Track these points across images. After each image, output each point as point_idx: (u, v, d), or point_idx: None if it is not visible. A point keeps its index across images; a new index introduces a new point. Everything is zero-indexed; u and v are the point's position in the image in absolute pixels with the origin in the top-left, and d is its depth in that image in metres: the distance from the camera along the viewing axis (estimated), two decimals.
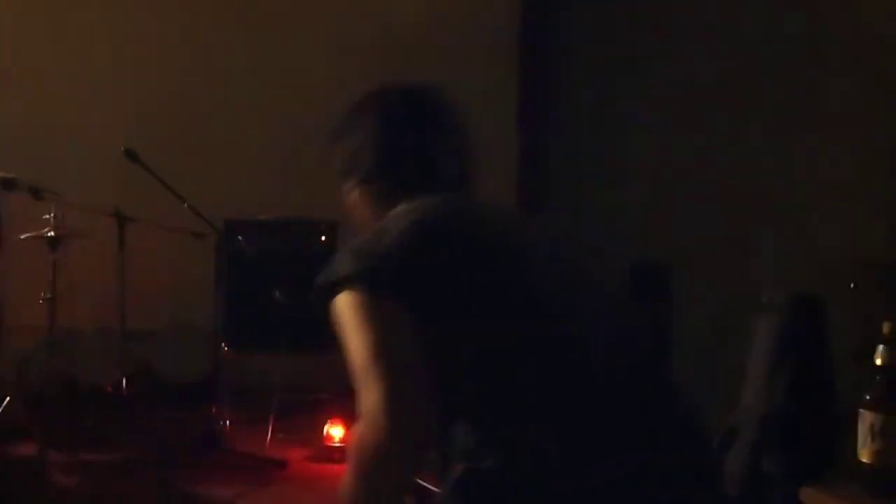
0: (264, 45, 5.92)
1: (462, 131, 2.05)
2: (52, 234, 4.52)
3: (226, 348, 4.95)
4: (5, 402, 4.34)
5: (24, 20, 5.88)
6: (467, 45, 5.80)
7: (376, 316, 1.73)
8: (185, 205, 4.48)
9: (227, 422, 4.82)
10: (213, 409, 4.84)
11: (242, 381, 5.10)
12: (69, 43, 5.87)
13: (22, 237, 4.57)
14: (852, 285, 3.71)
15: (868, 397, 2.18)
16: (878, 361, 2.17)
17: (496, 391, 1.72)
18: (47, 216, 4.53)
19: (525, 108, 6.00)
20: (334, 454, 4.54)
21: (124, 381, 4.73)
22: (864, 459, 2.18)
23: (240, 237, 4.66)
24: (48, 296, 4.53)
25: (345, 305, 1.76)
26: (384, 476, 1.68)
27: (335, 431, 4.68)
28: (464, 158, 2.04)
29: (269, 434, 4.74)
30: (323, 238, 5.00)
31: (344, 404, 4.63)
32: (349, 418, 4.66)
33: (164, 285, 5.56)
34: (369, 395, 1.67)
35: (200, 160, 5.72)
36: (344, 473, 1.70)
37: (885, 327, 2.17)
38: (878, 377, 2.17)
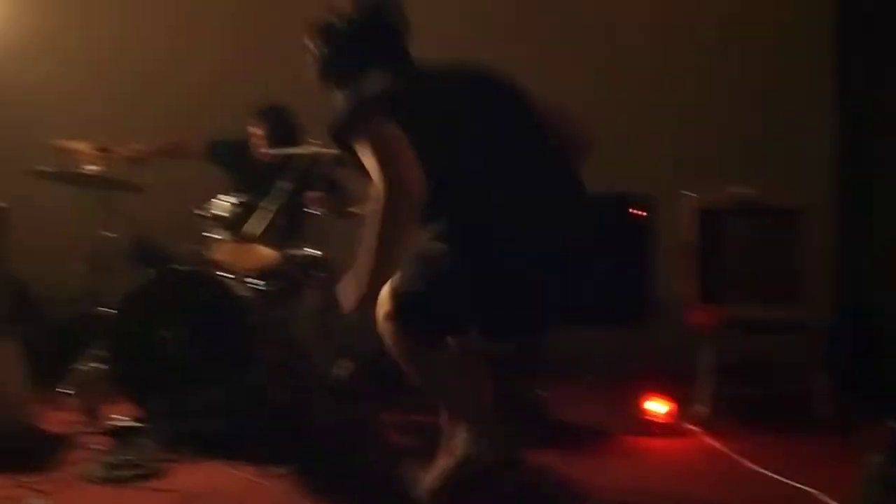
0: None
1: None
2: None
3: None
4: (350, 369, 4.67)
5: None
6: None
7: (382, 135, 2.72)
8: None
9: (543, 393, 4.91)
10: (533, 380, 4.94)
11: (560, 353, 5.17)
12: None
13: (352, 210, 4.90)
14: None
15: None
16: None
17: (457, 191, 2.79)
18: None
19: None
20: (653, 428, 4.52)
21: None
22: None
23: None
24: None
25: (362, 140, 2.73)
26: (391, 222, 2.67)
27: (653, 405, 4.64)
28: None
29: (588, 405, 4.77)
30: (637, 212, 4.95)
31: (661, 378, 4.60)
32: (666, 393, 4.62)
33: None
34: (380, 185, 2.67)
35: None
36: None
37: None
38: None
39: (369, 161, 2.72)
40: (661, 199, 5.05)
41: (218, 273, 4.52)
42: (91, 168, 4.74)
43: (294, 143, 4.89)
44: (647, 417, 4.64)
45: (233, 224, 4.66)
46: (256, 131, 5.24)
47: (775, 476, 3.67)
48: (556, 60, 5.96)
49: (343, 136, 2.80)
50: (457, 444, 3.08)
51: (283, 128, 5.16)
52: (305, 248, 4.74)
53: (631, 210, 4.93)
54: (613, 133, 5.98)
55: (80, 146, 4.73)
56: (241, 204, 4.68)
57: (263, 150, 5.18)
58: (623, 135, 5.69)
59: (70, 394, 4.59)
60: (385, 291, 2.90)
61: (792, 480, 3.58)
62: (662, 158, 5.93)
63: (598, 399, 4.80)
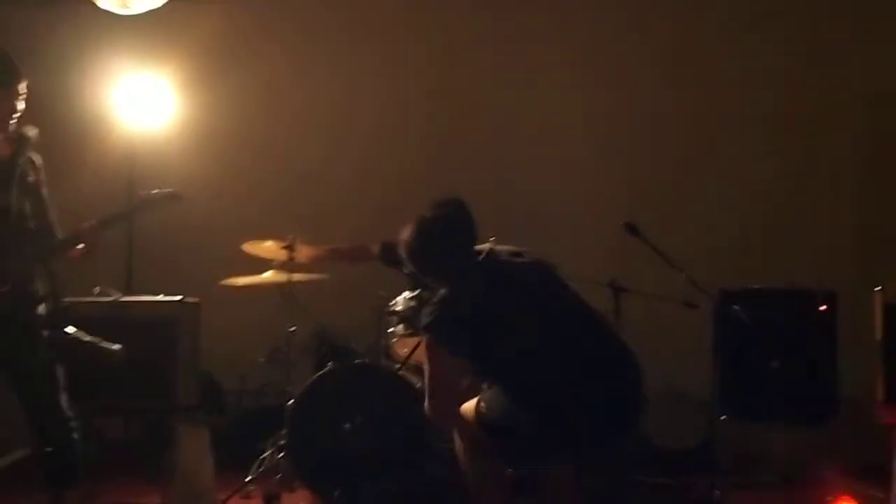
0: None
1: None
2: None
3: (722, 417, 4.90)
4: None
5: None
6: None
7: (438, 360, 3.37)
8: (683, 275, 4.54)
9: (723, 491, 4.75)
10: (709, 478, 4.79)
11: (740, 451, 5.02)
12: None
13: None
14: None
15: None
16: None
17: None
18: None
19: None
20: None
21: None
22: None
23: (735, 306, 4.62)
24: None
25: (425, 342, 3.41)
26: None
27: None
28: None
29: None
30: (822, 307, 4.80)
31: (849, 479, 4.38)
32: (855, 495, 4.40)
33: (657, 353, 5.66)
34: (427, 391, 3.42)
35: (690, 229, 5.86)
36: None
37: None
38: None
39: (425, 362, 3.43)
40: (840, 293, 4.90)
41: (395, 366, 4.62)
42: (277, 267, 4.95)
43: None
44: None
45: (410, 318, 4.77)
46: None
47: None
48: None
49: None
50: None
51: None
52: None
53: (817, 305, 4.78)
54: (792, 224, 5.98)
55: (268, 248, 4.91)
56: (418, 298, 4.79)
57: None
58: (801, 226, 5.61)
59: (252, 482, 4.73)
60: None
61: None
62: (842, 251, 5.78)
63: (782, 501, 4.60)
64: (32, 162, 3.69)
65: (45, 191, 3.77)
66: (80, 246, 3.76)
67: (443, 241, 3.44)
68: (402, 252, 3.50)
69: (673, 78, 6.26)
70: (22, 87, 3.63)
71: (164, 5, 4.53)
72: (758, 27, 6.22)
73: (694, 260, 4.75)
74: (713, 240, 5.96)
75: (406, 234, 3.48)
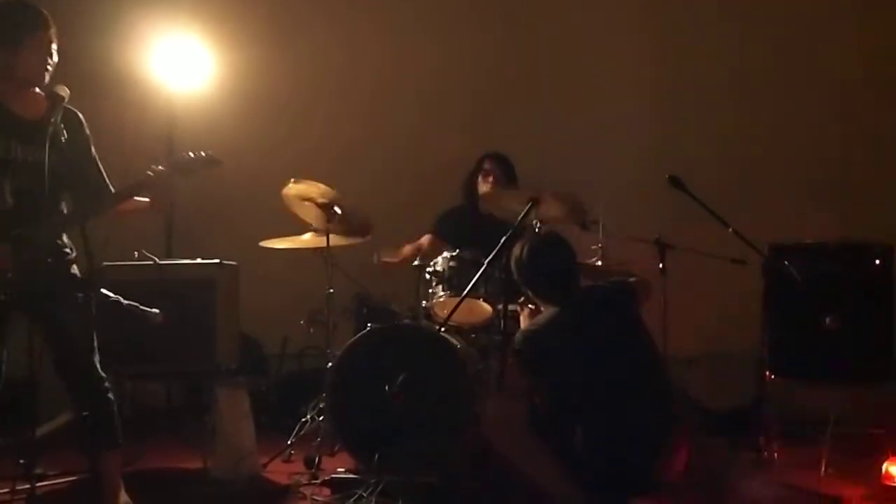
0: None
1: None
2: (599, 263, 4.78)
3: (771, 376, 4.77)
4: None
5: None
6: None
7: (518, 371, 3.83)
8: (730, 230, 4.41)
9: (774, 453, 4.65)
10: (759, 439, 4.69)
11: (790, 411, 4.90)
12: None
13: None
14: None
15: None
16: None
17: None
18: (595, 246, 4.79)
19: None
20: (893, 494, 4.17)
21: None
22: None
23: (786, 261, 4.48)
24: None
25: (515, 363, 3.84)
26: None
27: (894, 470, 4.29)
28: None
29: (822, 468, 4.47)
30: (877, 261, 4.63)
31: None
32: None
33: (705, 312, 5.56)
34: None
35: (740, 184, 5.72)
36: None
37: None
38: None
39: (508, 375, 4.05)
40: None
41: (435, 326, 4.55)
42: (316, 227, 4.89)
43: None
44: (889, 483, 4.29)
45: (450, 279, 4.70)
46: (488, 168, 5.36)
47: None
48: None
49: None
50: None
51: (510, 170, 5.36)
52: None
53: (872, 260, 4.61)
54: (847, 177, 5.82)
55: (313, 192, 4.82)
56: (458, 259, 4.72)
57: (487, 185, 5.25)
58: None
59: (293, 445, 4.72)
60: None
61: None
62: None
63: (835, 462, 4.48)
64: (71, 121, 3.63)
65: (92, 149, 3.72)
66: (144, 199, 3.70)
67: (548, 264, 3.84)
68: (513, 262, 3.92)
69: (719, 35, 6.11)
70: (51, 36, 3.55)
71: None
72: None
73: (741, 216, 4.62)
74: (763, 195, 5.82)
75: (518, 249, 3.90)
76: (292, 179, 4.74)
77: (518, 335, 3.84)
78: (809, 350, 4.63)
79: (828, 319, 4.45)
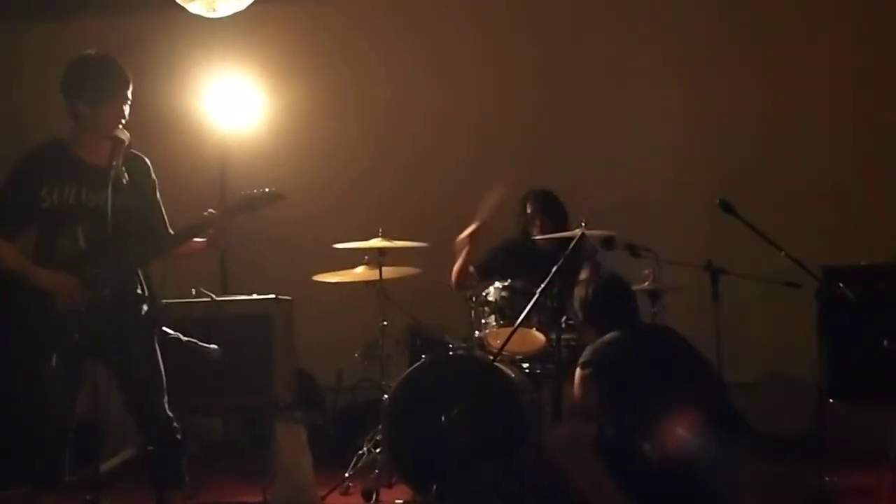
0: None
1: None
2: (650, 287, 4.77)
3: (830, 400, 4.71)
4: None
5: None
6: None
7: (583, 383, 3.86)
8: (782, 254, 4.38)
9: (837, 479, 4.57)
10: (820, 466, 4.62)
11: (852, 435, 4.83)
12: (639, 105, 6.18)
13: None
14: None
15: None
16: None
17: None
18: (646, 271, 4.78)
19: None
20: None
21: None
22: None
23: (840, 284, 4.43)
24: None
25: (578, 377, 3.88)
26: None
27: None
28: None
29: (885, 496, 4.39)
30: None
31: None
32: None
33: (759, 336, 5.51)
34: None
35: (790, 207, 5.68)
36: None
37: None
38: None
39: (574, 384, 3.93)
40: None
41: (489, 356, 4.57)
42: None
43: (563, 226, 4.99)
44: None
45: (502, 309, 4.72)
46: (531, 213, 5.30)
47: None
48: None
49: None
50: None
51: (554, 208, 5.25)
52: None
53: None
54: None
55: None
56: (510, 289, 4.74)
57: (535, 229, 5.23)
58: None
59: (351, 478, 4.75)
60: None
61: None
62: None
63: None
64: (138, 165, 3.71)
65: (157, 193, 3.80)
66: (201, 239, 3.76)
67: (613, 304, 4.04)
68: (576, 303, 4.14)
69: (767, 59, 6.09)
70: (129, 94, 3.64)
71: (251, 7, 4.55)
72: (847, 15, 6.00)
73: (793, 240, 4.58)
74: (814, 218, 5.76)
75: (582, 290, 4.12)
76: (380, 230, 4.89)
77: (585, 351, 3.93)
78: (868, 373, 4.56)
79: (886, 341, 4.39)
